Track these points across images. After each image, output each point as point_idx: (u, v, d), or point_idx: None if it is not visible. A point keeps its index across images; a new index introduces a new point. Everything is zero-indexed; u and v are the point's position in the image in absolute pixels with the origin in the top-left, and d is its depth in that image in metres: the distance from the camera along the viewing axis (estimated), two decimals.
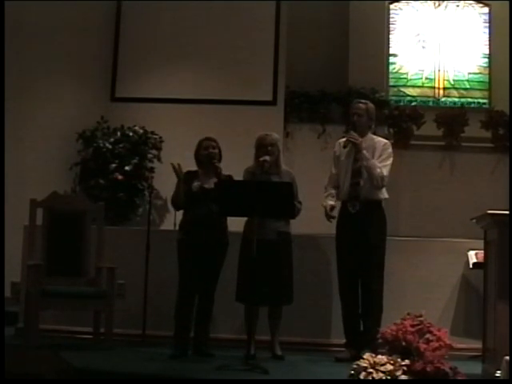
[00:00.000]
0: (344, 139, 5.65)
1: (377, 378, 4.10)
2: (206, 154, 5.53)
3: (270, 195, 5.01)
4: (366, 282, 5.44)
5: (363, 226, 5.40)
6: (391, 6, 10.05)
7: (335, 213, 5.56)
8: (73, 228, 6.00)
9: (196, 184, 5.47)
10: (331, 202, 5.55)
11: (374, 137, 5.68)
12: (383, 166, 5.47)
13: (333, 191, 5.61)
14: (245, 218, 5.41)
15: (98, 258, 5.94)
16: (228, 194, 5.10)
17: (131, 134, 8.14)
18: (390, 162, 5.53)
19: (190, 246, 5.43)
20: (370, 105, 5.69)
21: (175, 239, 5.51)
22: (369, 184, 5.47)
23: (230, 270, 5.68)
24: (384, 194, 5.55)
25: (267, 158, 5.44)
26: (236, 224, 5.45)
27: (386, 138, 5.86)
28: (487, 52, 9.87)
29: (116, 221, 7.68)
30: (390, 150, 5.60)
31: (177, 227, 5.69)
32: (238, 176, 5.37)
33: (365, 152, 5.46)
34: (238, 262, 5.49)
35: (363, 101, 5.75)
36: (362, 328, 5.47)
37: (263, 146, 5.50)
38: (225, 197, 5.10)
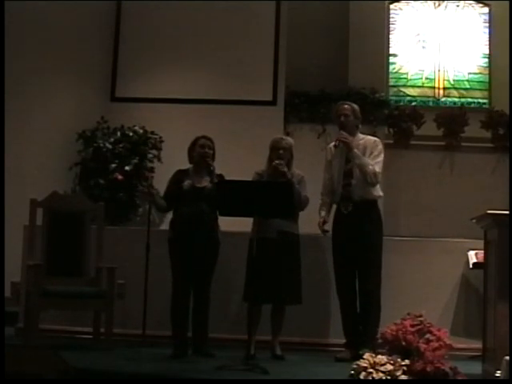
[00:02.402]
0: (333, 143, 5.68)
1: (377, 378, 4.11)
2: (200, 153, 5.53)
3: (268, 195, 5.01)
4: (362, 281, 5.44)
5: (357, 226, 5.40)
6: (391, 6, 10.07)
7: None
8: (73, 228, 6.00)
9: (187, 183, 5.49)
10: (323, 214, 5.58)
11: (363, 136, 5.70)
12: (375, 163, 5.49)
13: (327, 200, 5.64)
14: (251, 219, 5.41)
15: (98, 258, 5.94)
16: (227, 194, 5.10)
17: (131, 134, 8.14)
18: (381, 158, 5.57)
19: (181, 244, 5.44)
20: (355, 105, 5.73)
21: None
22: (361, 183, 5.47)
23: (229, 269, 5.69)
24: (378, 192, 5.56)
25: (281, 162, 5.44)
26: (244, 224, 5.45)
27: (377, 137, 5.89)
28: (487, 52, 9.88)
29: (116, 221, 7.68)
30: (381, 146, 5.64)
31: None
32: (238, 176, 5.36)
33: (356, 150, 5.47)
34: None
35: (347, 102, 5.79)
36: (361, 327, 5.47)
37: (276, 149, 5.51)
38: (224, 197, 5.10)
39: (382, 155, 5.60)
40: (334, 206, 5.64)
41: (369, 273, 5.42)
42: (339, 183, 5.52)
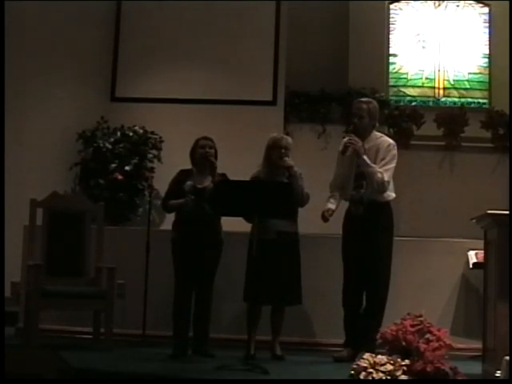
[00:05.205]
0: (345, 139, 5.61)
1: (377, 378, 4.11)
2: (202, 153, 5.53)
3: (268, 195, 5.00)
4: (369, 284, 5.38)
5: (367, 229, 5.32)
6: (391, 6, 10.06)
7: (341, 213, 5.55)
8: (73, 228, 6.00)
9: (188, 184, 5.49)
10: (331, 206, 5.50)
11: (379, 135, 5.53)
12: (385, 171, 5.32)
13: (336, 193, 5.55)
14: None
15: (98, 258, 5.94)
16: (226, 194, 5.09)
17: (131, 134, 8.15)
18: (392, 165, 5.39)
19: (184, 245, 5.44)
20: (373, 104, 5.52)
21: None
22: (371, 186, 5.38)
23: (230, 269, 5.69)
24: (390, 194, 5.44)
25: (291, 162, 5.45)
26: (244, 224, 5.45)
27: (391, 137, 5.74)
28: (487, 52, 9.88)
29: (116, 221, 7.68)
30: (394, 151, 5.44)
31: None
32: (237, 176, 5.36)
33: (365, 157, 5.31)
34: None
35: (365, 100, 5.60)
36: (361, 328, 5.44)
37: (279, 148, 5.48)
38: (223, 197, 5.10)
39: (395, 161, 5.41)
40: (344, 206, 5.60)
41: (376, 276, 5.35)
42: (350, 183, 5.43)
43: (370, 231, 5.33)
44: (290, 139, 5.64)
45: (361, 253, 5.36)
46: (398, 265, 5.76)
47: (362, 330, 5.37)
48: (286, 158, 5.45)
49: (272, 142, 5.53)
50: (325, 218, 5.46)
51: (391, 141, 5.54)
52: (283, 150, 5.48)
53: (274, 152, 5.49)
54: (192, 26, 8.52)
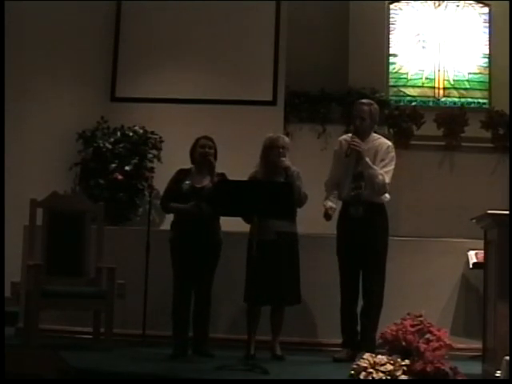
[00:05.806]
0: (345, 136, 5.60)
1: (377, 378, 4.11)
2: (201, 153, 5.53)
3: (267, 195, 5.00)
4: (367, 284, 5.39)
5: (365, 230, 5.33)
6: (391, 6, 10.06)
7: (335, 213, 5.55)
8: (73, 228, 6.00)
9: (187, 183, 5.49)
10: (331, 204, 5.50)
11: (377, 136, 5.54)
12: (385, 173, 5.35)
13: (335, 192, 5.55)
14: None
15: (98, 258, 5.94)
16: (226, 194, 5.09)
17: (131, 134, 8.15)
18: (392, 167, 5.42)
19: (182, 245, 5.44)
20: (374, 106, 5.55)
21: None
22: (370, 188, 5.38)
23: (229, 270, 5.69)
24: (386, 196, 5.47)
25: (288, 162, 5.44)
26: (244, 224, 5.45)
27: (388, 138, 5.74)
28: (487, 52, 9.87)
29: (116, 221, 7.68)
30: (393, 153, 5.47)
31: None
32: (237, 176, 5.37)
33: (367, 160, 5.33)
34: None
35: (366, 101, 5.62)
36: (359, 329, 5.44)
37: (276, 147, 5.48)
38: (222, 197, 5.09)
39: (394, 163, 5.44)
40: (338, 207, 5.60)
41: (373, 276, 5.37)
42: (347, 184, 5.42)
43: (367, 231, 5.34)
44: (286, 138, 5.65)
45: (358, 253, 5.38)
46: (398, 265, 5.77)
47: (361, 330, 5.38)
48: (283, 159, 5.45)
49: (269, 142, 5.53)
50: (328, 216, 5.46)
51: (389, 142, 5.58)
52: (281, 150, 5.48)
53: (272, 152, 5.49)
54: (192, 26, 8.52)
